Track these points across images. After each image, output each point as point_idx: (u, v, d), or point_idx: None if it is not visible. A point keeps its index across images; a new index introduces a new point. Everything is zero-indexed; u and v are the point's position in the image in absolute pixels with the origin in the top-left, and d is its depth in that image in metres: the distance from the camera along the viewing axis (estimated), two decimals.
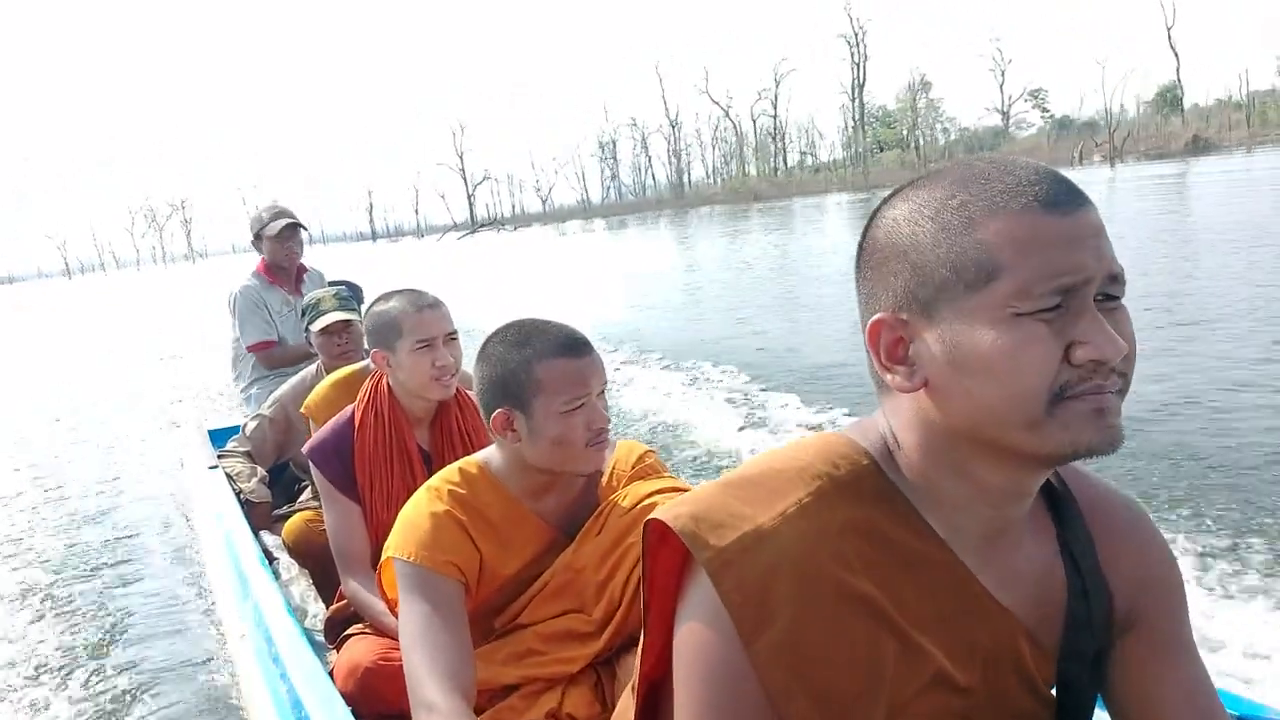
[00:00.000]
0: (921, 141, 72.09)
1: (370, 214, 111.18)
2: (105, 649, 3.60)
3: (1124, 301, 0.83)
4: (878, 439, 0.92)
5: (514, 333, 1.63)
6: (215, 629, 3.41)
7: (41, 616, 4.02)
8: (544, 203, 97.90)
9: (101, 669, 3.42)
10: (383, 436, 2.30)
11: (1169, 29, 56.96)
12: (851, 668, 0.84)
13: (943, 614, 0.89)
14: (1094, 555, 0.97)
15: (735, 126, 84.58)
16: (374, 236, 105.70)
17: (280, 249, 4.30)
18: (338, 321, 3.30)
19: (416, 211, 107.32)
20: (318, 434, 2.40)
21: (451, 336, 2.30)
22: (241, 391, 4.44)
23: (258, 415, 3.48)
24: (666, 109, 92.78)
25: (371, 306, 2.38)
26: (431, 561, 1.57)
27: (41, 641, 3.75)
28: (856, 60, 70.94)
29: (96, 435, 8.05)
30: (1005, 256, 0.79)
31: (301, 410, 2.95)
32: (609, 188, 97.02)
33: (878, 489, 0.89)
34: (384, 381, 2.34)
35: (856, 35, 70.02)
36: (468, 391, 2.37)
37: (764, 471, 0.90)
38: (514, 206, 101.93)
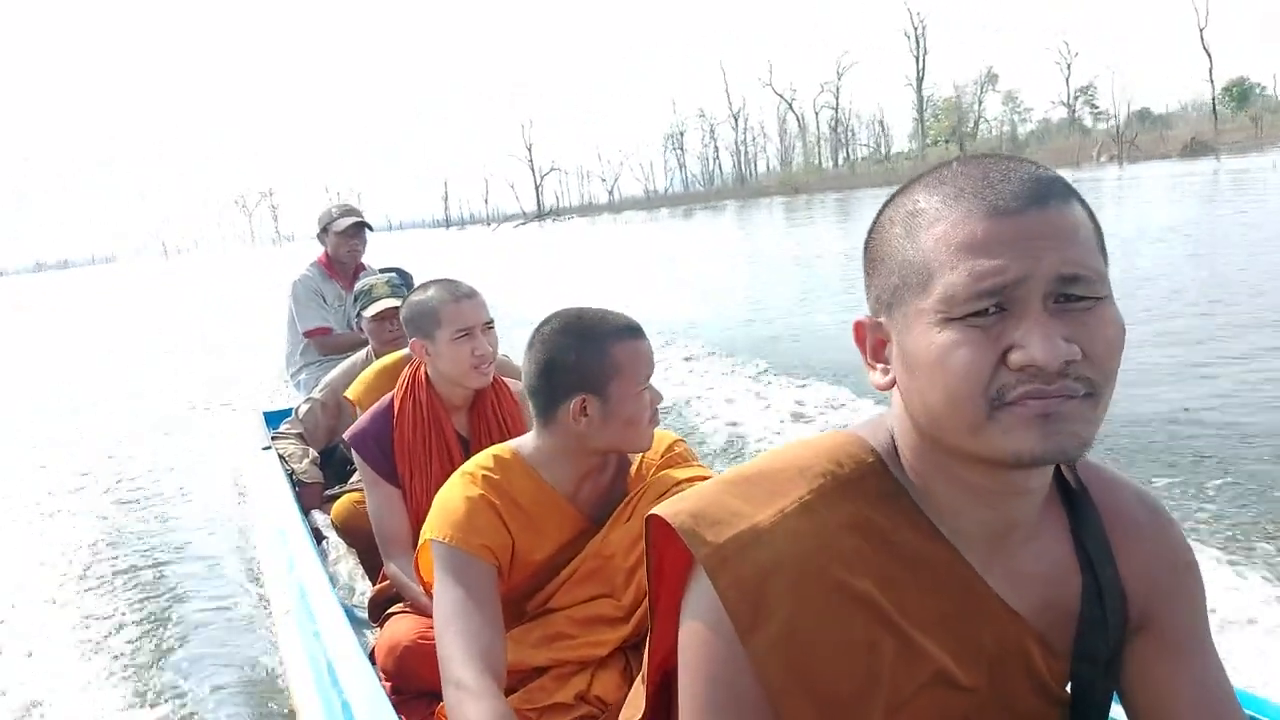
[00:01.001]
0: (976, 135, 71.59)
1: (445, 203, 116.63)
2: (154, 624, 3.72)
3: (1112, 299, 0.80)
4: (886, 437, 0.92)
5: (575, 321, 1.64)
6: (263, 605, 3.50)
7: (94, 588, 4.16)
8: (610, 194, 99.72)
9: (149, 643, 3.54)
10: (421, 423, 2.34)
11: (1201, 30, 55.34)
12: (849, 666, 0.84)
13: (945, 614, 0.88)
14: (1109, 555, 0.95)
15: (798, 119, 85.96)
16: (448, 224, 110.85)
17: (344, 245, 4.43)
18: (390, 308, 3.35)
19: (486, 201, 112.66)
20: (358, 421, 2.44)
21: (488, 325, 2.32)
22: (291, 376, 4.54)
23: (309, 399, 3.56)
24: (729, 102, 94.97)
25: (409, 296, 2.41)
26: (465, 544, 1.59)
27: (90, 614, 3.88)
28: (916, 54, 70.65)
29: (158, 414, 8.29)
30: (938, 262, 0.79)
31: (347, 395, 3.01)
32: (672, 179, 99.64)
33: (882, 488, 0.89)
34: (422, 369, 2.38)
35: (916, 30, 70.03)
36: (504, 379, 2.40)
37: (766, 470, 0.90)
38: (582, 196, 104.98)
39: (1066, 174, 0.89)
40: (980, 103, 75.35)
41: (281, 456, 3.44)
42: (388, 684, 2.08)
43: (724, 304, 12.00)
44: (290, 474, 3.35)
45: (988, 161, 0.83)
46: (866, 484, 0.89)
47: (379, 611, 2.37)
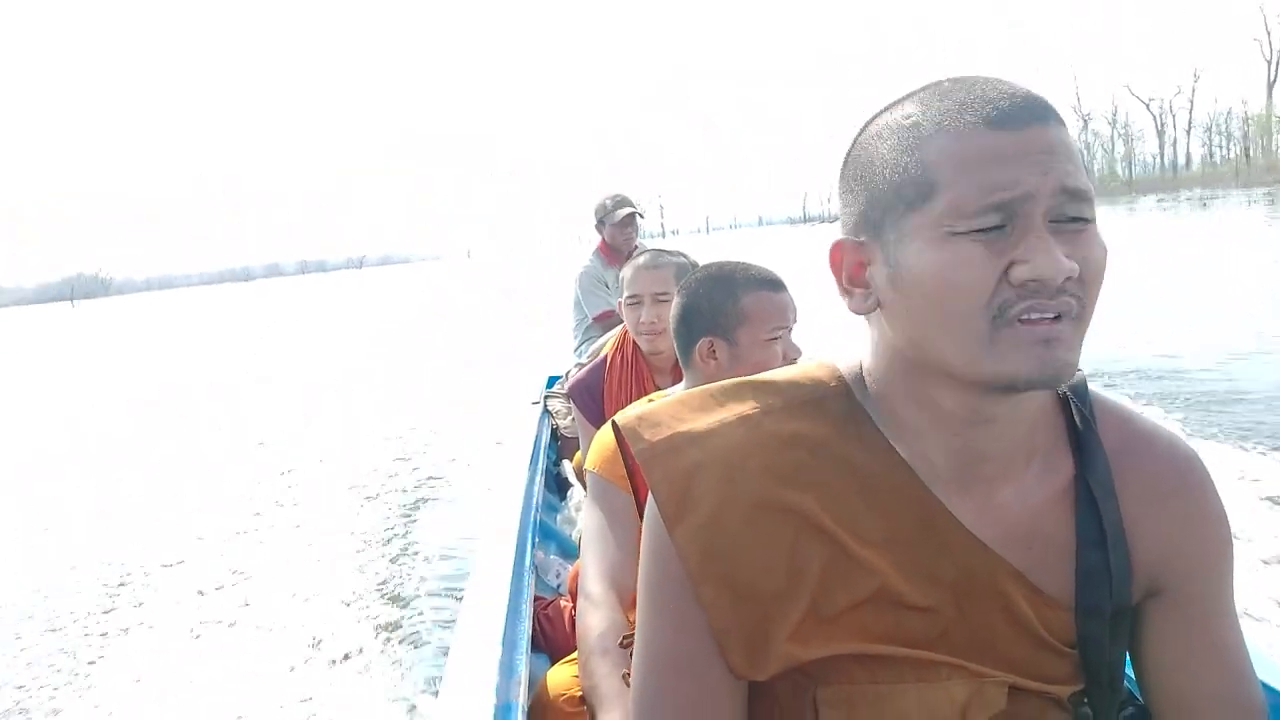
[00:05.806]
0: None
1: (804, 202, 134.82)
2: (406, 530, 4.72)
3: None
4: (856, 363, 0.90)
5: (716, 270, 1.68)
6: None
7: (367, 501, 5.36)
8: None
9: (398, 539, 4.55)
10: (627, 377, 2.45)
11: None
12: (768, 567, 0.83)
13: (897, 535, 0.84)
14: (1114, 504, 0.86)
15: (1155, 120, 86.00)
16: (806, 220, 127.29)
17: (620, 233, 4.69)
18: None
19: (828, 200, 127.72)
20: (578, 371, 2.59)
21: (659, 296, 2.32)
22: (575, 351, 4.87)
23: (578, 364, 3.82)
24: (1078, 104, 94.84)
25: None
26: (609, 473, 1.67)
27: (355, 524, 4.95)
28: (1269, 59, 65.12)
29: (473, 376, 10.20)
30: (943, 174, 0.75)
31: None
32: None
33: (844, 411, 0.87)
34: None
35: (1268, 33, 64.86)
36: None
37: (726, 387, 0.91)
38: None
39: None
40: None
41: (550, 412, 3.73)
42: (571, 605, 2.20)
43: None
44: (554, 428, 3.63)
45: (980, 80, 0.79)
46: (826, 405, 0.87)
47: None
